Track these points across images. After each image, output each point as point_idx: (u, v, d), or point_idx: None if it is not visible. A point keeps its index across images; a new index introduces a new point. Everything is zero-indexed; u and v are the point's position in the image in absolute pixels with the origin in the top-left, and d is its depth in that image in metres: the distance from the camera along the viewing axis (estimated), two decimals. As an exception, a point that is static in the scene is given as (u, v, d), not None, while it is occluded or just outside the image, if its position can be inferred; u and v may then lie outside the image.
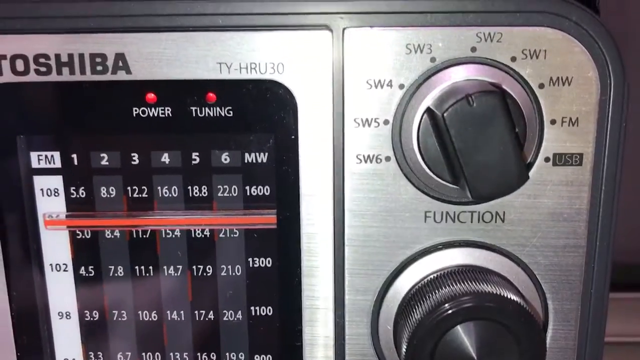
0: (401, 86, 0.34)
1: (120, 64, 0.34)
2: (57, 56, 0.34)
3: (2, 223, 0.37)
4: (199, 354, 0.39)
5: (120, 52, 0.34)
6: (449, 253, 0.36)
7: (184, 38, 0.34)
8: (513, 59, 0.34)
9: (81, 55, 0.34)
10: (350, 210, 0.36)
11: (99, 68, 0.34)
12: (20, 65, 0.34)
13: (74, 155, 0.37)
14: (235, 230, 0.38)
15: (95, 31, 0.34)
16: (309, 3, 0.34)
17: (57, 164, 0.37)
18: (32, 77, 0.35)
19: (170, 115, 0.35)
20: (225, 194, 0.37)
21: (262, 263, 0.38)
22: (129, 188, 0.37)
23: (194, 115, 0.35)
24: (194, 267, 0.38)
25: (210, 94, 0.35)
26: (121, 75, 0.34)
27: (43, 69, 0.34)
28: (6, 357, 0.38)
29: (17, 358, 0.39)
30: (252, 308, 0.39)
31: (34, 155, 0.37)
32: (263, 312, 0.39)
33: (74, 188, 0.37)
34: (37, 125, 0.36)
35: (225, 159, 0.37)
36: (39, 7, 0.34)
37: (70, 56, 0.34)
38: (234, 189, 0.37)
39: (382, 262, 0.37)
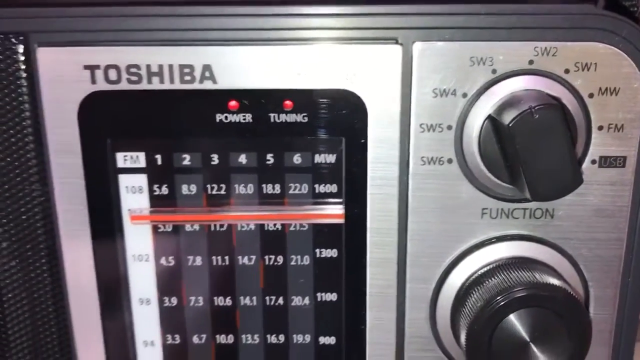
0: (464, 95, 0.37)
1: (207, 74, 0.37)
2: (148, 66, 0.37)
3: (91, 218, 0.40)
4: (268, 335, 0.43)
5: (207, 63, 0.37)
6: (502, 246, 0.40)
7: (266, 51, 0.37)
8: (566, 71, 0.37)
9: (170, 66, 0.37)
10: (413, 207, 0.39)
11: (187, 78, 0.37)
12: (113, 74, 0.37)
13: (158, 156, 0.40)
14: (304, 224, 0.41)
15: (184, 44, 0.37)
16: (380, 19, 0.37)
17: (142, 163, 0.40)
18: (123, 85, 0.37)
19: (250, 120, 0.38)
20: (296, 191, 0.40)
21: (329, 254, 0.41)
22: (208, 186, 0.40)
23: (271, 120, 0.38)
24: (266, 257, 0.42)
25: (287, 102, 0.38)
26: (207, 85, 0.37)
27: (134, 78, 0.37)
28: (94, 339, 0.42)
29: (103, 340, 0.42)
30: (319, 294, 0.42)
31: (119, 156, 0.40)
32: (328, 298, 0.42)
33: (157, 186, 0.40)
34: (125, 128, 0.39)
35: (297, 160, 0.40)
36: (132, 21, 0.37)
37: (160, 67, 0.37)
38: (305, 187, 0.40)
39: (440, 254, 0.40)
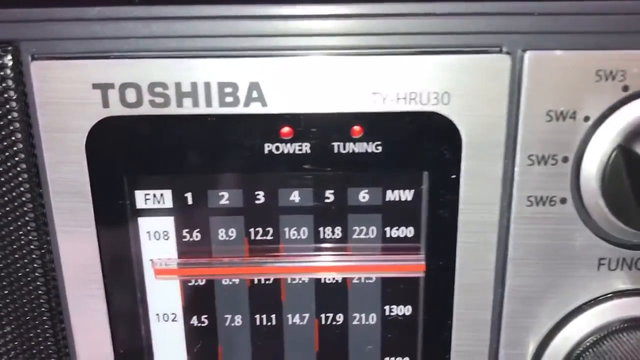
0: (586, 118, 0.29)
1: (255, 94, 0.28)
2: (178, 85, 0.28)
3: (104, 276, 0.31)
4: (324, 408, 0.35)
5: (255, 81, 0.28)
6: (621, 304, 0.32)
7: (331, 63, 0.28)
8: None
9: (207, 85, 0.28)
10: (512, 258, 0.31)
11: (229, 99, 0.29)
12: (131, 95, 0.28)
13: (189, 194, 0.31)
14: (371, 277, 0.33)
15: (225, 56, 0.28)
16: (480, 19, 0.28)
17: (168, 204, 0.31)
18: (145, 109, 0.29)
19: (308, 151, 0.30)
20: (362, 236, 0.32)
21: (401, 311, 0.33)
22: (251, 230, 0.32)
23: (335, 151, 0.30)
24: (322, 315, 0.33)
25: (356, 127, 0.29)
26: (255, 108, 0.29)
27: (160, 99, 0.29)
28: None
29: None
30: (387, 359, 0.34)
31: (139, 195, 0.31)
32: (398, 362, 0.34)
33: (186, 230, 0.32)
34: (146, 162, 0.30)
35: (364, 197, 0.31)
36: (156, 25, 0.28)
37: (194, 85, 0.28)
38: (372, 230, 0.32)
39: (543, 314, 0.32)
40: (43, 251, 0.31)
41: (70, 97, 0.28)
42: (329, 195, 0.31)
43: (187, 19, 0.28)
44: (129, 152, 0.30)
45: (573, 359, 0.32)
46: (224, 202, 0.32)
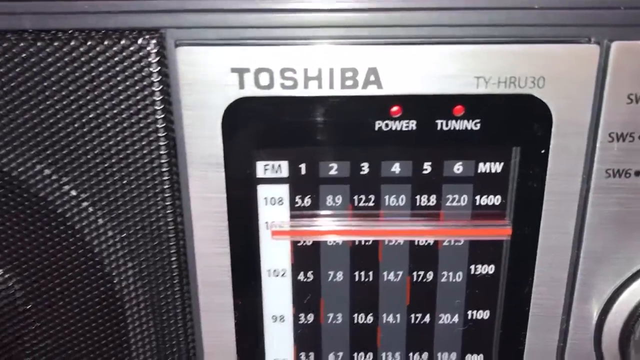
0: (663, 101, 0.33)
1: (372, 78, 0.32)
2: (305, 70, 0.32)
3: (230, 234, 0.36)
4: (410, 354, 0.40)
5: (373, 66, 0.32)
6: (684, 265, 0.36)
7: (440, 51, 0.32)
8: None
9: (331, 70, 0.32)
10: (590, 223, 0.35)
11: (349, 83, 0.32)
12: (265, 79, 0.32)
13: (303, 165, 0.35)
14: (460, 240, 0.37)
15: (348, 44, 0.32)
16: (573, 12, 0.32)
17: (284, 173, 0.35)
18: (276, 90, 0.33)
19: (414, 128, 0.34)
20: (454, 203, 0.36)
21: (485, 270, 0.38)
22: (355, 197, 0.36)
23: (437, 128, 0.34)
24: (414, 273, 0.38)
25: (458, 107, 0.33)
26: (371, 90, 0.33)
27: (289, 82, 0.32)
28: (229, 353, 0.38)
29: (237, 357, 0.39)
30: (469, 312, 0.38)
31: (260, 165, 0.35)
32: (480, 316, 0.39)
33: (299, 197, 0.36)
34: (271, 136, 0.34)
35: (458, 169, 0.35)
36: (289, 16, 0.31)
37: (320, 70, 0.32)
38: (464, 198, 0.36)
39: (613, 273, 0.36)
40: (176, 215, 0.35)
41: (211, 79, 0.32)
42: (427, 167, 0.35)
43: (316, 11, 0.31)
44: (256, 128, 0.34)
45: (638, 314, 0.36)
46: (332, 172, 0.36)
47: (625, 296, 0.37)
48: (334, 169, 0.35)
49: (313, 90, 0.33)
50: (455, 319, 0.39)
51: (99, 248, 0.36)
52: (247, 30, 0.32)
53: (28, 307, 0.38)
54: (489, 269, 0.37)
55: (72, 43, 0.32)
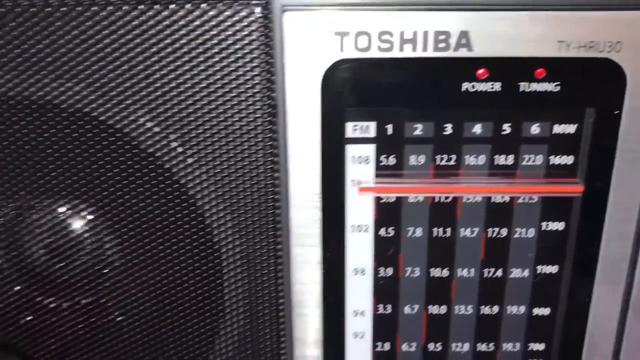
0: None
1: (464, 41, 0.35)
2: (402, 33, 0.35)
3: (322, 188, 0.38)
4: (482, 306, 0.42)
5: (465, 30, 0.35)
6: None
7: (527, 17, 0.35)
8: None
9: (425, 33, 0.35)
10: (657, 180, 0.38)
11: (442, 45, 0.35)
12: (363, 41, 0.35)
13: (389, 125, 0.38)
14: (533, 197, 0.40)
15: (441, 9, 0.35)
16: (650, -19, 0.34)
17: (372, 133, 0.38)
18: (373, 52, 0.35)
19: (499, 89, 0.36)
20: (530, 163, 0.39)
21: (556, 226, 0.40)
22: (437, 156, 0.39)
23: (520, 89, 0.36)
24: (490, 229, 0.40)
25: (540, 70, 0.36)
26: (462, 52, 0.35)
27: (385, 45, 0.35)
28: (311, 305, 0.41)
29: (323, 308, 0.41)
30: (539, 267, 0.41)
31: (349, 125, 0.38)
32: (549, 270, 0.41)
33: (384, 156, 0.39)
34: (363, 97, 0.37)
35: (535, 130, 0.38)
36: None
37: (415, 33, 0.35)
38: (539, 158, 0.39)
39: (679, 227, 0.39)
40: (274, 171, 0.38)
41: (313, 42, 0.35)
42: (506, 128, 0.38)
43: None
44: (350, 89, 0.36)
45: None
46: (417, 132, 0.38)
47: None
48: (418, 129, 0.38)
49: (407, 53, 0.35)
50: (526, 273, 0.41)
51: (201, 202, 0.38)
52: (348, -2, 0.34)
53: (124, 262, 0.41)
54: (560, 225, 0.40)
55: (188, 7, 0.34)
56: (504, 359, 0.43)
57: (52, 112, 0.37)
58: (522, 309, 0.42)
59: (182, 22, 0.35)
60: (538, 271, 0.41)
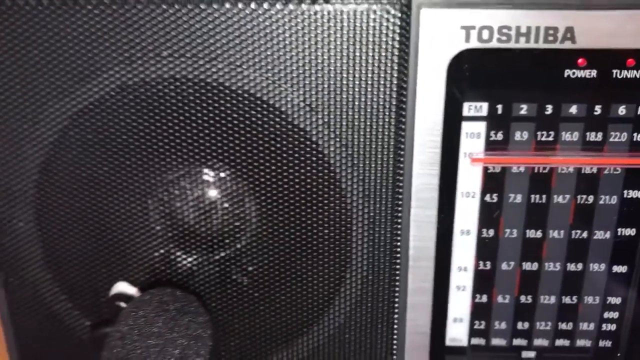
0: None
1: (569, 35, 0.42)
2: (518, 28, 0.42)
3: (442, 159, 0.46)
4: (568, 264, 0.49)
5: (570, 25, 0.42)
6: None
7: (621, 15, 0.42)
8: None
9: (537, 28, 0.42)
10: None
11: (550, 38, 0.42)
12: (485, 34, 0.42)
13: (499, 106, 0.45)
14: (618, 169, 0.46)
15: (551, 8, 0.42)
16: None
17: (484, 112, 0.45)
18: (493, 44, 0.42)
19: (595, 76, 0.43)
20: (616, 139, 0.46)
21: (636, 195, 0.47)
22: (538, 133, 0.46)
23: (613, 76, 0.43)
24: (579, 196, 0.47)
25: (631, 60, 0.43)
26: (566, 45, 0.42)
27: (504, 37, 0.42)
28: (426, 258, 0.48)
29: (434, 265, 0.49)
30: (619, 229, 0.48)
31: (466, 105, 0.45)
32: (627, 233, 0.48)
33: (493, 132, 0.46)
34: (481, 81, 0.44)
35: (622, 111, 0.45)
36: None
37: (529, 28, 0.42)
38: (624, 135, 0.46)
39: None
40: (401, 143, 0.45)
41: (443, 34, 0.42)
42: (597, 109, 0.45)
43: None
44: (471, 74, 0.44)
45: None
46: (522, 112, 0.45)
47: None
48: (524, 109, 0.45)
49: (522, 44, 0.42)
50: (608, 235, 0.48)
51: (338, 170, 0.46)
52: None
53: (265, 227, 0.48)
54: (639, 194, 0.47)
55: (341, 4, 0.42)
56: (585, 311, 0.50)
57: (221, 93, 0.44)
58: (603, 266, 0.49)
59: (339, 17, 0.42)
60: (618, 234, 0.48)
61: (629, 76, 0.43)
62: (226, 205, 0.49)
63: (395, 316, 0.50)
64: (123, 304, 0.46)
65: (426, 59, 0.43)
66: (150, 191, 0.48)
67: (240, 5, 0.42)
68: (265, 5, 0.42)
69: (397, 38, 0.43)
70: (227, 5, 0.42)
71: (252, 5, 0.42)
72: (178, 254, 0.50)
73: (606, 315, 0.50)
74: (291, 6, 0.42)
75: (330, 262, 0.49)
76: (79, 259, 0.49)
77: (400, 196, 0.47)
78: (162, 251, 0.50)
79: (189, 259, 0.50)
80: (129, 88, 0.44)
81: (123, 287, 0.48)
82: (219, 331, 0.50)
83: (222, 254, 0.50)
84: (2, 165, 0.46)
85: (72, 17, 0.42)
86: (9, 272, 0.49)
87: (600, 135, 0.46)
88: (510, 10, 0.42)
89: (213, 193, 0.49)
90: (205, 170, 0.48)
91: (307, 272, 0.49)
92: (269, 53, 0.43)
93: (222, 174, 0.48)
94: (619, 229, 0.48)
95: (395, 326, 0.50)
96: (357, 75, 0.44)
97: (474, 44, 0.42)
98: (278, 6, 0.42)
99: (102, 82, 0.44)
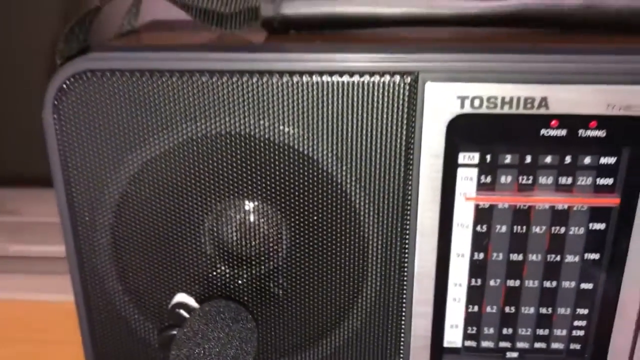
0: None
1: (543, 103, 0.53)
2: (502, 98, 0.53)
3: (442, 198, 0.57)
4: (544, 281, 0.60)
5: (544, 96, 0.53)
6: None
7: (588, 89, 0.53)
8: None
9: (518, 97, 0.53)
10: (671, 197, 0.56)
11: (529, 105, 0.53)
12: (477, 102, 0.53)
13: (488, 156, 0.56)
14: (584, 206, 0.58)
15: (528, 82, 0.53)
16: None
17: (476, 161, 0.56)
18: (483, 110, 0.53)
19: (564, 134, 0.54)
20: (582, 183, 0.57)
21: (599, 226, 0.58)
22: (520, 177, 0.57)
23: (579, 135, 0.55)
24: (553, 227, 0.58)
25: (593, 122, 0.54)
26: (542, 110, 0.53)
27: (491, 105, 0.53)
28: (428, 276, 0.60)
29: (434, 280, 0.60)
30: (586, 254, 0.59)
31: (461, 155, 0.56)
32: (592, 257, 0.59)
33: (483, 176, 0.57)
34: (473, 138, 0.55)
35: (587, 161, 0.56)
36: (492, 65, 0.52)
37: (511, 98, 0.53)
38: (589, 180, 0.57)
39: (685, 229, 0.57)
40: (409, 186, 0.56)
41: (443, 103, 0.53)
42: (567, 159, 0.56)
43: (504, 62, 0.52)
44: (465, 132, 0.55)
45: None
46: (507, 161, 0.56)
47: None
48: (508, 159, 0.56)
49: (505, 110, 0.53)
50: (577, 258, 0.59)
51: (357, 202, 0.57)
52: (469, 74, 0.53)
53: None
54: (602, 225, 0.58)
55: (363, 77, 0.53)
56: (558, 320, 0.62)
57: (266, 145, 0.55)
58: (573, 284, 0.60)
59: (363, 86, 0.53)
60: (585, 257, 0.59)
61: (591, 135, 0.54)
62: (264, 230, 0.60)
63: (403, 323, 0.61)
64: (183, 312, 0.58)
65: (430, 120, 0.54)
66: (203, 220, 0.59)
67: (285, 78, 0.53)
68: (305, 78, 0.53)
69: (407, 104, 0.54)
70: (275, 79, 0.53)
71: (295, 78, 0.53)
72: (226, 270, 0.61)
73: (576, 323, 0.61)
74: (325, 78, 0.53)
75: (350, 279, 0.60)
76: (145, 274, 0.60)
77: (408, 226, 0.58)
78: (212, 267, 0.61)
79: (234, 274, 0.62)
80: (193, 141, 0.55)
81: (182, 297, 0.60)
82: (259, 334, 0.61)
83: (261, 270, 0.62)
84: (88, 199, 0.58)
85: (151, 85, 0.54)
86: (90, 284, 0.60)
87: (570, 179, 0.57)
88: (497, 84, 0.53)
89: (253, 221, 0.60)
90: (248, 203, 0.59)
91: (331, 286, 0.61)
92: (306, 115, 0.54)
93: (262, 206, 0.59)
94: (585, 254, 0.59)
95: (403, 331, 0.61)
96: (375, 132, 0.55)
97: (468, 109, 0.54)
98: (314, 78, 0.53)
99: (171, 136, 0.55)
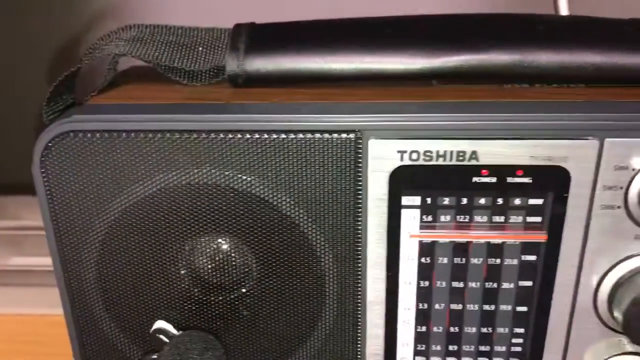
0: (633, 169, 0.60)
1: (474, 156, 0.60)
2: (437, 151, 0.60)
3: (387, 236, 0.64)
4: (484, 305, 0.68)
5: (474, 150, 0.60)
6: (645, 258, 0.64)
7: (514, 143, 0.59)
8: (700, 156, 0.59)
9: (451, 152, 0.60)
10: (592, 230, 0.63)
11: (460, 158, 0.60)
12: (414, 156, 0.60)
13: (429, 199, 0.63)
14: (516, 241, 0.65)
15: (460, 139, 0.59)
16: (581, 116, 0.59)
17: (418, 203, 0.63)
18: (420, 162, 0.60)
19: (494, 180, 0.61)
20: (514, 221, 0.64)
21: (531, 258, 0.65)
22: (458, 217, 0.64)
23: (507, 180, 0.61)
24: (489, 259, 0.65)
25: (519, 171, 0.61)
26: (473, 162, 0.60)
27: (427, 158, 0.60)
28: (380, 302, 0.67)
29: (385, 305, 0.67)
30: (520, 282, 0.66)
31: (404, 198, 0.63)
32: (526, 284, 0.66)
33: (425, 216, 0.64)
34: (413, 185, 0.62)
35: (517, 202, 0.63)
36: (432, 123, 0.59)
37: (445, 152, 0.60)
38: (520, 218, 0.64)
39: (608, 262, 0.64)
40: (358, 231, 0.63)
41: (385, 156, 0.60)
42: (499, 200, 0.63)
43: (444, 122, 0.59)
44: (406, 180, 0.62)
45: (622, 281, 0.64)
46: (446, 202, 0.63)
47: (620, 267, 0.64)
48: (446, 201, 0.63)
49: (440, 162, 0.60)
50: (512, 285, 0.66)
51: (315, 243, 0.64)
52: (406, 132, 0.59)
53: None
54: (533, 257, 0.65)
55: (315, 134, 0.60)
56: (498, 338, 0.69)
57: (231, 193, 0.63)
58: (509, 307, 0.68)
59: (315, 143, 0.60)
60: (519, 284, 0.66)
61: (519, 181, 0.61)
62: (235, 261, 0.68)
63: (359, 343, 0.69)
64: (162, 337, 0.66)
65: (374, 170, 0.61)
66: (180, 254, 0.66)
67: (247, 136, 0.60)
68: (265, 135, 0.60)
69: (353, 157, 0.61)
70: (238, 136, 0.60)
71: (255, 136, 0.60)
72: (200, 295, 0.69)
73: (513, 340, 0.69)
74: (282, 135, 0.60)
75: (311, 305, 0.67)
76: (128, 303, 0.68)
77: (360, 260, 0.65)
78: (188, 295, 0.69)
79: (208, 300, 0.69)
80: (166, 190, 0.62)
81: (161, 324, 0.67)
82: (229, 353, 0.69)
83: (232, 295, 0.69)
84: (75, 240, 0.65)
85: (128, 142, 0.61)
86: (79, 312, 0.68)
87: (502, 218, 0.64)
88: (431, 140, 0.60)
89: (225, 253, 0.68)
90: (220, 239, 0.67)
91: (294, 311, 0.68)
92: (265, 166, 0.61)
93: (233, 241, 0.66)
94: (519, 282, 0.66)
95: (359, 349, 0.69)
96: (327, 180, 0.62)
97: (407, 162, 0.60)
98: (273, 135, 0.60)
99: (147, 186, 0.62)
